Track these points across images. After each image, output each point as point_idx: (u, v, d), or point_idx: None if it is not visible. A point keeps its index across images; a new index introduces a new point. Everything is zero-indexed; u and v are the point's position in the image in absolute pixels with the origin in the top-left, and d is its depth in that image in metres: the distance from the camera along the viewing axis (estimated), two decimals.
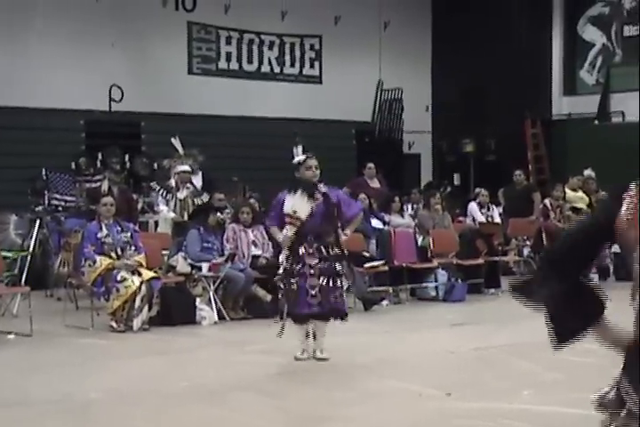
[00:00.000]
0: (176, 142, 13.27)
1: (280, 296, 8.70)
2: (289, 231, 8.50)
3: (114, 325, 10.16)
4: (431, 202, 14.11)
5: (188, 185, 12.94)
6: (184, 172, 12.93)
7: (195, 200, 12.81)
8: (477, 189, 16.05)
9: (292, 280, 8.48)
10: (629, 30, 20.69)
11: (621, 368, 2.94)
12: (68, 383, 7.70)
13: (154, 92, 18.10)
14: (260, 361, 8.71)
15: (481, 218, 15.47)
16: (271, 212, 8.94)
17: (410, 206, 15.98)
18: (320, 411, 6.95)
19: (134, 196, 14.65)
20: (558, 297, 2.94)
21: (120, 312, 10.18)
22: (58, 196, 14.23)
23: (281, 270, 8.55)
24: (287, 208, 8.61)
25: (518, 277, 3.08)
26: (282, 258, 8.59)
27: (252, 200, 14.09)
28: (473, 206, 15.83)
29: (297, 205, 8.62)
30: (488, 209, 15.68)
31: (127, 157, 17.15)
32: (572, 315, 2.97)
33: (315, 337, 8.72)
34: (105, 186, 13.39)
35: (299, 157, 9.42)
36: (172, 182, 12.90)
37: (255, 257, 11.82)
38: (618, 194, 2.97)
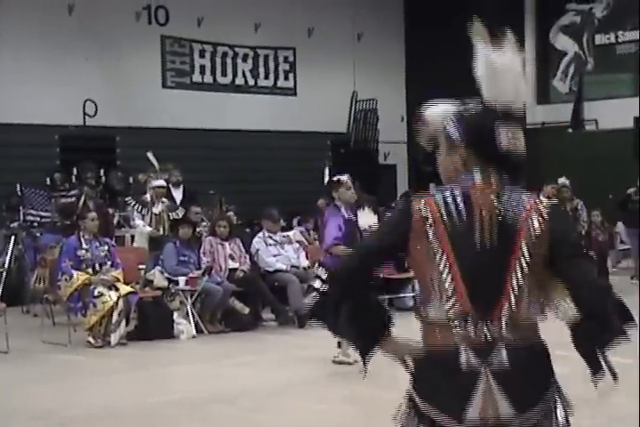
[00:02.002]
0: (151, 157, 13.25)
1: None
2: None
3: (91, 340, 10.13)
4: None
5: (164, 199, 12.93)
6: (159, 186, 12.91)
7: (170, 215, 12.80)
8: None
9: None
10: (601, 39, 20.83)
11: (410, 381, 3.05)
12: (47, 400, 7.66)
13: (128, 107, 18.07)
14: (239, 375, 8.70)
15: None
16: (336, 232, 9.07)
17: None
18: (301, 424, 6.94)
19: (110, 210, 14.63)
20: (347, 317, 3.01)
21: (97, 328, 10.15)
22: (33, 211, 14.20)
23: None
24: (363, 224, 9.08)
25: (312, 301, 3.17)
26: None
27: (229, 213, 14.09)
28: None
29: (369, 220, 9.15)
30: None
31: (102, 172, 17.11)
32: (362, 332, 3.07)
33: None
34: (80, 201, 13.35)
35: (340, 176, 9.43)
36: (148, 197, 12.89)
37: (232, 270, 11.82)
38: (404, 209, 3.04)
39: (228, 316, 11.50)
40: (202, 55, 19.61)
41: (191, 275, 11.27)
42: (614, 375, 3.10)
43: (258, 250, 12.30)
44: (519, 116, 3.13)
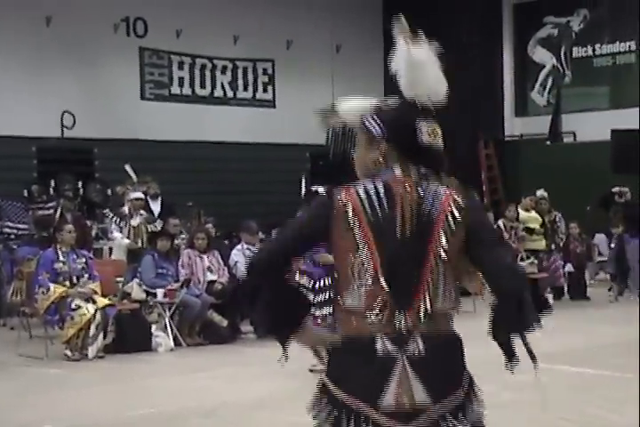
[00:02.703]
0: (129, 169, 13.22)
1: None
2: None
3: (68, 353, 10.07)
4: None
5: (142, 212, 12.90)
6: (137, 199, 12.88)
7: (148, 227, 12.77)
8: None
9: None
10: (578, 51, 20.94)
11: (324, 369, 3.10)
12: (23, 414, 7.61)
13: (106, 118, 18.02)
14: (218, 388, 8.67)
15: None
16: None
17: None
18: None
19: (88, 222, 14.57)
20: (264, 305, 3.05)
21: (75, 340, 10.09)
22: (10, 224, 14.12)
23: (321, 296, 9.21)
24: None
25: (229, 291, 3.25)
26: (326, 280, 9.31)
27: (208, 225, 14.05)
28: None
29: None
30: None
31: (80, 184, 17.04)
32: (278, 321, 3.10)
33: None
34: (58, 213, 13.30)
35: (317, 187, 9.58)
36: (126, 209, 12.84)
37: (210, 282, 11.79)
38: (326, 199, 3.10)
39: (207, 328, 11.46)
40: (180, 67, 19.58)
41: (169, 287, 11.23)
42: (534, 359, 3.19)
43: (236, 262, 12.25)
44: (437, 109, 3.22)
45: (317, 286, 9.44)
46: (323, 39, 20.70)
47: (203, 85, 19.88)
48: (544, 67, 21.53)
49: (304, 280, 9.43)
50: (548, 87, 21.49)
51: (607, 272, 15.99)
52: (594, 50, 20.67)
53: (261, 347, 11.19)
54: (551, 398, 7.98)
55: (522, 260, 14.68)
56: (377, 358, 2.96)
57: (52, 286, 10.21)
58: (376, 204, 3.03)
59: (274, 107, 20.78)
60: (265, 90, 20.69)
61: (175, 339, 11.01)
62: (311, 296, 9.50)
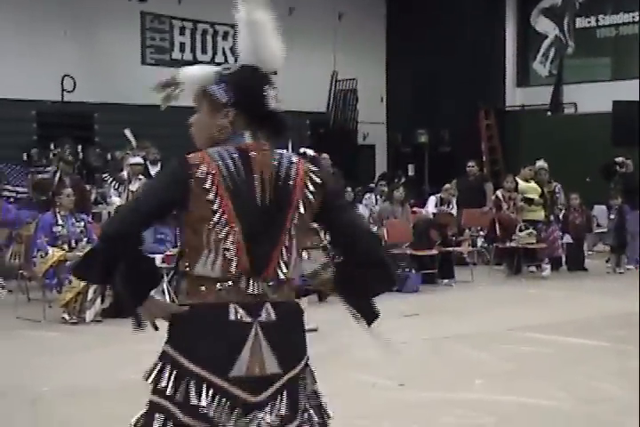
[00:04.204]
0: (129, 134, 13.19)
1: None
2: None
3: (66, 317, 10.08)
4: (395, 195, 14.16)
5: (141, 177, 12.88)
6: (136, 164, 12.86)
7: None
8: (447, 186, 16.01)
9: None
10: (581, 22, 20.84)
11: (169, 339, 3.04)
12: (19, 377, 7.63)
13: (107, 83, 17.96)
14: None
15: (434, 210, 15.56)
16: None
17: (374, 198, 16.07)
18: None
19: (87, 187, 14.55)
20: (120, 275, 2.96)
21: (72, 304, 10.09)
22: (9, 187, 14.11)
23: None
24: None
25: (80, 258, 3.13)
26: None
27: None
28: (431, 200, 15.88)
29: None
30: (448, 205, 15.74)
31: (80, 148, 17.01)
32: (130, 291, 3.00)
33: None
34: (57, 177, 13.28)
35: (305, 150, 10.17)
36: (125, 174, 12.82)
37: None
38: (181, 166, 2.96)
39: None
40: (182, 32, 19.52)
41: (168, 253, 11.23)
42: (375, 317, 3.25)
43: None
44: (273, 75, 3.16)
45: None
46: (325, 6, 20.61)
47: (204, 51, 19.83)
48: (547, 37, 21.45)
49: None
50: (550, 58, 21.42)
51: (606, 243, 16.00)
52: (597, 20, 20.59)
53: None
54: (549, 368, 8.03)
55: (520, 230, 14.69)
56: (230, 326, 2.92)
57: (50, 249, 10.20)
58: (233, 170, 2.96)
59: (274, 73, 20.65)
60: None
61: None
62: None
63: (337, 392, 7.22)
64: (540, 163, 15.65)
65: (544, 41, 21.52)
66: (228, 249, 2.93)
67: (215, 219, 2.92)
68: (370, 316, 3.27)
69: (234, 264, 2.93)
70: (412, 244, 13.63)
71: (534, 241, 14.69)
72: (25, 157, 15.94)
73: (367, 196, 16.44)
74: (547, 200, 15.16)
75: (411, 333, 9.68)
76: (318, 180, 3.07)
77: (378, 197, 15.96)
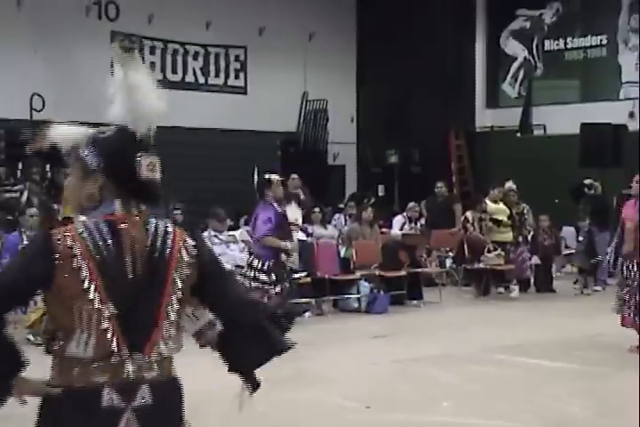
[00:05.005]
0: None
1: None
2: (295, 237, 10.28)
3: (31, 338, 10.01)
4: (363, 216, 14.15)
5: None
6: None
7: None
8: (411, 204, 16.09)
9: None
10: (550, 44, 20.99)
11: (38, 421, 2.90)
12: None
13: (76, 102, 17.84)
14: (180, 375, 8.61)
15: (399, 231, 15.59)
16: (267, 224, 10.07)
17: (343, 218, 16.08)
18: (235, 423, 6.89)
19: (55, 206, 14.46)
20: None
21: (38, 325, 10.01)
22: None
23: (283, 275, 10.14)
24: (291, 218, 10.24)
25: None
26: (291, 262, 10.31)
27: (176, 212, 13.99)
28: (398, 220, 15.92)
29: (295, 213, 10.58)
30: (415, 223, 15.78)
31: (48, 168, 16.91)
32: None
33: None
34: (24, 196, 13.19)
35: (270, 175, 10.51)
36: None
37: None
38: (45, 240, 2.83)
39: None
40: (152, 52, 19.47)
41: None
42: (256, 387, 3.21)
43: None
44: (152, 141, 3.07)
45: (267, 266, 9.90)
46: (296, 26, 20.64)
47: (174, 71, 19.79)
48: (516, 59, 21.57)
49: (255, 262, 9.88)
50: (519, 79, 21.53)
51: (574, 265, 16.07)
52: (565, 43, 20.72)
53: None
54: (516, 389, 8.03)
55: (489, 251, 14.73)
56: (101, 412, 2.79)
57: None
58: (100, 244, 2.81)
59: (245, 93, 20.71)
60: (237, 76, 20.62)
61: None
62: (263, 276, 9.84)
63: (302, 413, 7.20)
64: (509, 184, 15.71)
65: (513, 63, 21.64)
66: (100, 328, 2.78)
67: (85, 296, 2.76)
68: (252, 384, 3.19)
69: (107, 344, 2.78)
70: (381, 265, 13.63)
71: (503, 262, 14.74)
72: None
73: (336, 216, 16.44)
74: (515, 222, 15.21)
75: (379, 354, 9.68)
76: (194, 251, 2.96)
77: (347, 217, 15.97)
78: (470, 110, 21.79)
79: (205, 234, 12.50)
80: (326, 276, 12.92)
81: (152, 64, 19.41)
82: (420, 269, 14.19)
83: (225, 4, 19.55)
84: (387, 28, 20.77)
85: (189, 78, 19.97)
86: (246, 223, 15.56)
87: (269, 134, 20.22)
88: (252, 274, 10.12)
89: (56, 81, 17.86)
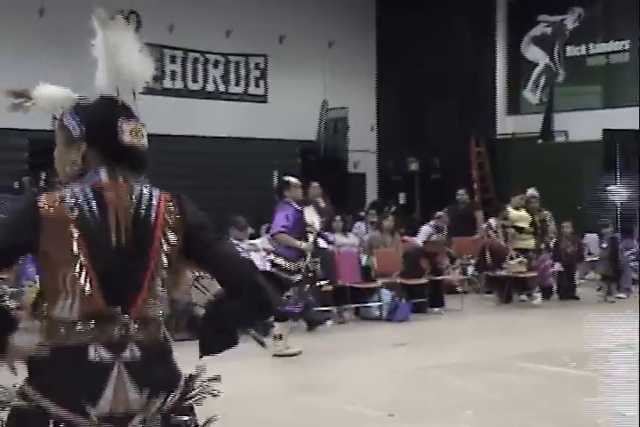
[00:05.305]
0: None
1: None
2: (310, 239, 10.19)
3: None
4: (384, 224, 14.14)
5: None
6: None
7: None
8: (439, 213, 16.00)
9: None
10: (572, 50, 20.92)
11: (26, 380, 2.91)
12: None
13: None
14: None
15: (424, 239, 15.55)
16: (283, 221, 10.15)
17: (364, 226, 16.05)
18: None
19: None
20: None
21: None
22: (0, 215, 14.06)
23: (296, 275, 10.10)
24: (308, 221, 10.20)
25: None
26: (301, 263, 10.13)
27: None
28: (425, 230, 15.81)
29: (313, 217, 10.33)
30: (443, 233, 15.71)
31: None
32: None
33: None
34: None
35: (289, 178, 10.60)
36: None
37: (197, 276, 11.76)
38: (30, 206, 2.85)
39: (194, 324, 11.40)
40: (173, 61, 19.52)
41: None
42: (263, 345, 3.20)
43: None
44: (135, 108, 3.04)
45: (294, 266, 10.04)
46: (316, 34, 20.66)
47: (195, 80, 19.83)
48: (537, 65, 21.50)
49: (280, 261, 9.90)
50: (540, 86, 21.46)
51: (598, 272, 15.98)
52: (587, 49, 20.64)
53: (247, 342, 11.17)
54: (539, 398, 7.98)
55: (511, 258, 14.68)
56: (90, 365, 2.83)
57: (37, 277, 10.15)
58: (87, 211, 2.84)
59: (265, 102, 20.73)
60: (257, 85, 20.64)
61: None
62: (288, 276, 9.89)
63: (324, 422, 7.18)
64: (531, 191, 15.65)
65: (534, 69, 21.56)
66: (84, 294, 2.81)
67: (69, 262, 2.81)
68: (229, 342, 3.18)
69: (91, 308, 2.82)
70: (402, 273, 13.60)
71: (525, 269, 14.68)
72: (16, 185, 15.89)
73: (357, 224, 16.42)
74: (537, 229, 15.14)
75: (400, 362, 9.65)
76: (179, 215, 2.99)
77: (368, 225, 15.93)
78: (491, 117, 21.73)
79: None
80: (347, 284, 12.90)
81: (173, 73, 19.50)
82: (441, 277, 14.15)
83: (245, 12, 19.59)
84: (406, 35, 20.75)
85: (210, 87, 20.01)
86: (267, 231, 15.59)
87: (289, 142, 20.23)
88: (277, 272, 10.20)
89: (79, 90, 17.88)
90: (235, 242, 12.40)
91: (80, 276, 2.81)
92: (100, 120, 2.96)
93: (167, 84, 19.42)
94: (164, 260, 2.92)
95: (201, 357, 3.14)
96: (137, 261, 2.88)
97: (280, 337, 10.03)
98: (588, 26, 20.62)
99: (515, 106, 21.88)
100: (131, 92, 3.01)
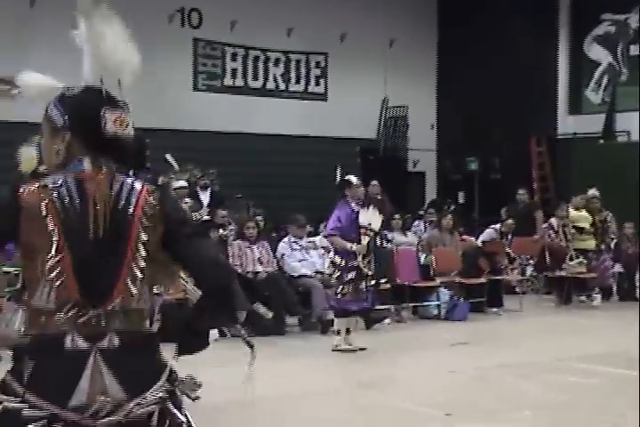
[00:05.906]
0: (170, 159, 13.29)
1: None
2: (363, 241, 9.97)
3: None
4: (443, 223, 14.10)
5: (186, 200, 12.95)
6: (180, 188, 12.95)
7: (193, 215, 12.81)
8: (509, 221, 15.57)
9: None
10: (635, 49, 20.68)
11: (8, 371, 2.91)
12: None
13: (158, 109, 18.08)
14: (259, 380, 8.64)
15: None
16: (335, 223, 10.17)
17: (423, 225, 16.00)
18: None
19: None
20: None
21: None
22: None
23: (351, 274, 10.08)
24: (363, 221, 9.97)
25: None
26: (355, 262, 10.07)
27: (257, 217, 14.06)
28: (489, 233, 15.46)
29: (371, 218, 10.03)
30: (507, 239, 15.47)
31: (132, 173, 17.10)
32: None
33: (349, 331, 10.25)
34: None
35: (350, 177, 10.67)
36: None
37: (256, 273, 11.82)
38: (11, 196, 2.86)
39: (252, 320, 11.45)
40: (234, 59, 19.62)
41: None
42: (251, 346, 3.33)
43: (283, 255, 12.28)
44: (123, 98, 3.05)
45: (349, 264, 10.07)
46: (376, 33, 20.65)
47: (255, 77, 19.91)
48: (600, 64, 21.28)
49: (336, 258, 10.21)
50: (603, 85, 21.24)
51: None
52: None
53: (305, 341, 11.21)
54: (599, 400, 7.91)
55: (571, 259, 14.55)
56: (65, 355, 2.83)
57: None
58: (66, 200, 2.86)
59: (325, 100, 20.76)
60: (317, 83, 20.68)
61: (220, 330, 11.01)
62: (341, 273, 9.90)
63: (382, 420, 7.17)
64: (592, 191, 15.51)
65: (597, 68, 21.35)
66: (60, 282, 2.83)
67: (47, 251, 2.83)
68: (200, 344, 3.19)
69: (67, 298, 2.83)
70: (461, 272, 13.55)
71: (585, 270, 14.55)
72: None
73: (416, 223, 16.37)
74: (598, 229, 15.01)
75: (458, 362, 9.61)
76: (158, 207, 2.97)
77: (427, 224, 15.88)
78: (552, 117, 21.57)
79: (285, 240, 12.57)
80: (406, 283, 12.88)
81: (233, 70, 19.59)
82: (500, 277, 14.08)
83: (306, 10, 19.63)
84: (468, 35, 20.65)
85: (270, 85, 20.08)
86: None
87: (349, 141, 20.24)
88: (333, 271, 10.24)
89: (138, 87, 18.00)
90: (293, 239, 12.44)
91: (56, 265, 2.83)
92: (84, 110, 2.95)
93: (228, 81, 19.52)
94: (143, 250, 2.91)
95: (176, 357, 3.12)
96: (114, 251, 2.89)
97: (338, 333, 10.12)
98: None
99: (576, 105, 21.68)
100: (116, 81, 3.03)
